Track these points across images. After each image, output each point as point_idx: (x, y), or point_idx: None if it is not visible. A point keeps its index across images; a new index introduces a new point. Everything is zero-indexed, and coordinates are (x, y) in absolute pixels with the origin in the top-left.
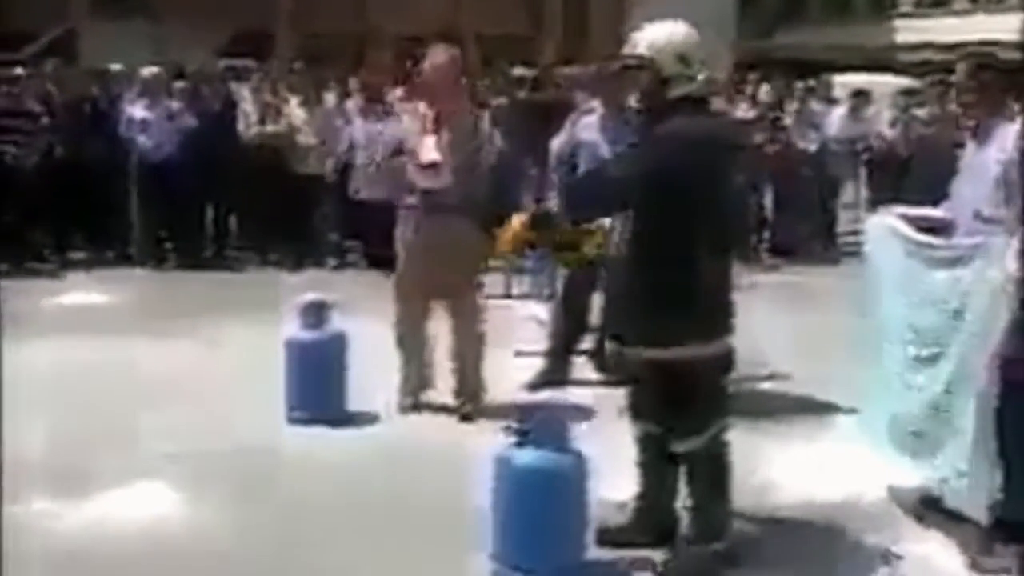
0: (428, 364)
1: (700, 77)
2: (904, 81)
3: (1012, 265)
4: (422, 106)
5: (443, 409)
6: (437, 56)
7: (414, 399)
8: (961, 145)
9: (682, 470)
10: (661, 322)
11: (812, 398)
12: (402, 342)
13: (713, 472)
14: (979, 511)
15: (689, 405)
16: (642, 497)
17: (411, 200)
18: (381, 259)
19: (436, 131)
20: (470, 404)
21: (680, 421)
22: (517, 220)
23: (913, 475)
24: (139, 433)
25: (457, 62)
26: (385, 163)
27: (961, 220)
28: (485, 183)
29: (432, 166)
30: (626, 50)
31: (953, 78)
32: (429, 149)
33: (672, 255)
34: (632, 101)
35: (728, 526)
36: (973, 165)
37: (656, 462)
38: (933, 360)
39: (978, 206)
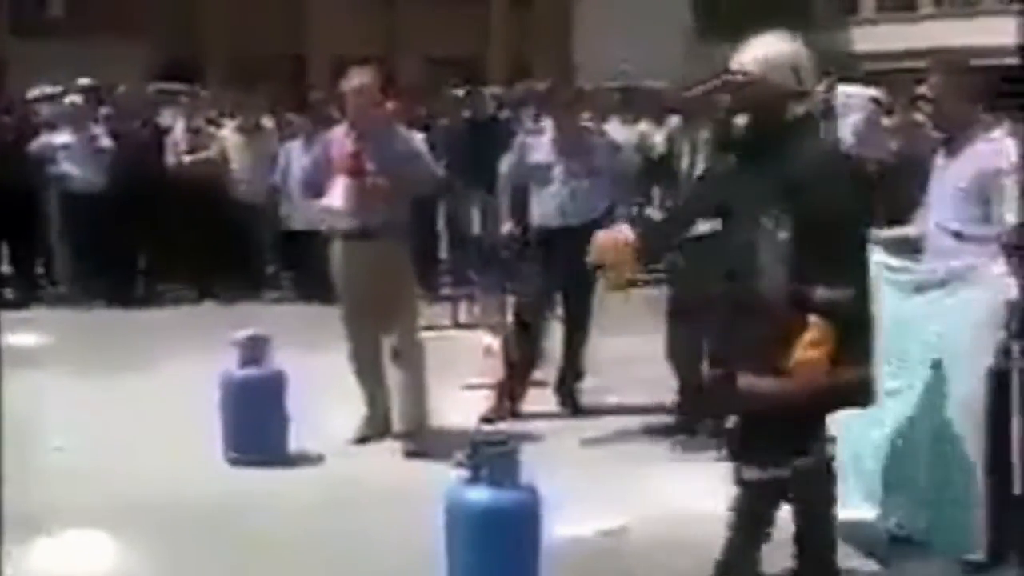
0: (387, 401)
1: (817, 90)
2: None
3: (999, 289)
4: (343, 130)
5: (390, 445)
6: (353, 78)
7: (373, 433)
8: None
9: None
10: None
11: None
12: (358, 377)
13: (825, 495)
14: (957, 547)
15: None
16: (729, 554)
17: (336, 227)
18: (317, 290)
19: (355, 161)
20: (415, 440)
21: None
22: (613, 238)
23: (872, 511)
24: (68, 480)
25: (375, 83)
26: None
27: (932, 236)
28: (413, 207)
29: (328, 211)
30: (733, 66)
31: (922, 88)
32: (334, 192)
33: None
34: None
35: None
36: (944, 179)
37: (757, 512)
38: (902, 392)
39: (945, 222)
